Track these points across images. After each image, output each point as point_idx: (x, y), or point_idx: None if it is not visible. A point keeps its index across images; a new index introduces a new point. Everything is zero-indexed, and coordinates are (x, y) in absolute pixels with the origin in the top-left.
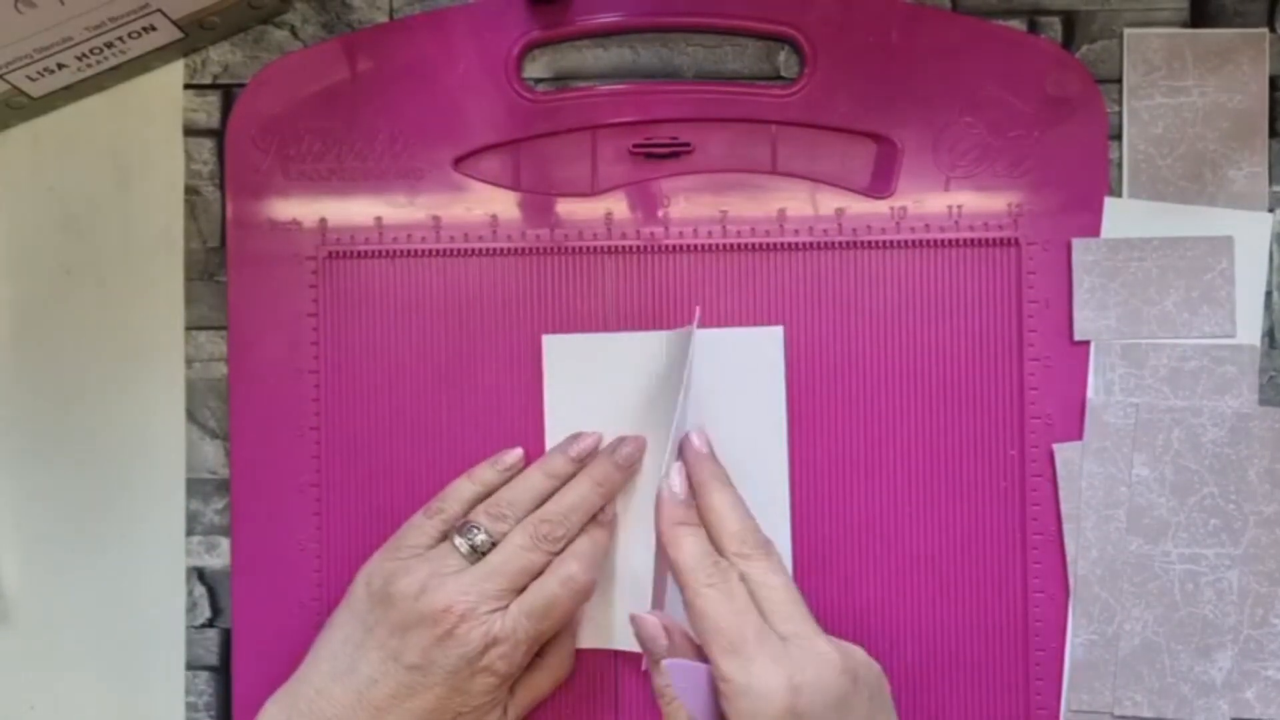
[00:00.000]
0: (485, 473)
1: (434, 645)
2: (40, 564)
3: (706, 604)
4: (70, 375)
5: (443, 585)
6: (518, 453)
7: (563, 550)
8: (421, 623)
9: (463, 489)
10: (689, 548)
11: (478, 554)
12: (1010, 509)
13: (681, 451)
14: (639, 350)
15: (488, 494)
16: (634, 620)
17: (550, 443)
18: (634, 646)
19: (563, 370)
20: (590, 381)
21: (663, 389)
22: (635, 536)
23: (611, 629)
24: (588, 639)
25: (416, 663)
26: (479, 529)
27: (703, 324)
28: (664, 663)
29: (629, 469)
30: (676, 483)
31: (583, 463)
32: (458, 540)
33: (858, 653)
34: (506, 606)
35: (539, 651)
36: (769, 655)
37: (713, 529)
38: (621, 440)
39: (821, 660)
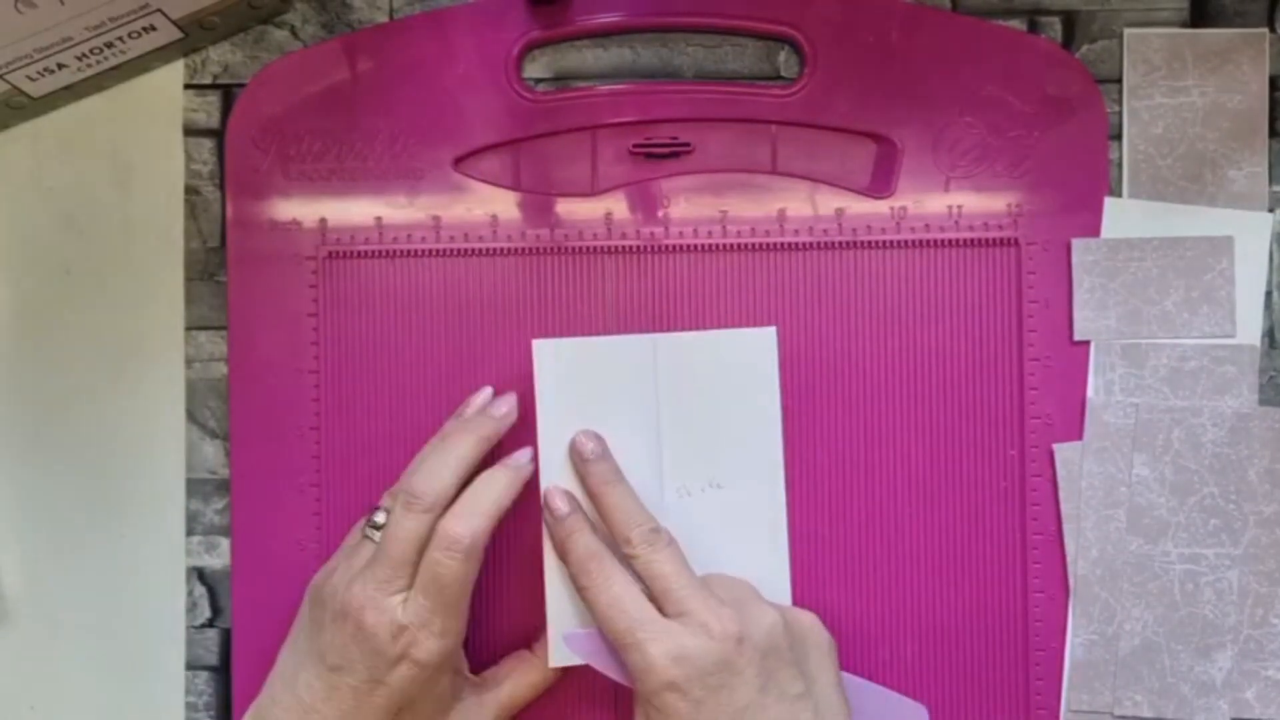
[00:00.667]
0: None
1: (347, 643)
2: (40, 564)
3: (589, 603)
4: (70, 375)
5: (350, 581)
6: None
7: (439, 506)
8: (335, 620)
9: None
10: (572, 554)
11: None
12: (1010, 509)
13: (571, 458)
14: (630, 352)
15: None
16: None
17: (544, 448)
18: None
19: (553, 374)
20: (581, 385)
21: (655, 390)
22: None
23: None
24: (572, 656)
25: (337, 663)
26: (379, 509)
27: (698, 325)
28: (562, 634)
29: (504, 420)
30: (555, 504)
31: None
32: (366, 529)
33: (760, 618)
34: (409, 582)
35: (535, 650)
36: (649, 637)
37: (608, 529)
38: (501, 398)
39: (701, 629)
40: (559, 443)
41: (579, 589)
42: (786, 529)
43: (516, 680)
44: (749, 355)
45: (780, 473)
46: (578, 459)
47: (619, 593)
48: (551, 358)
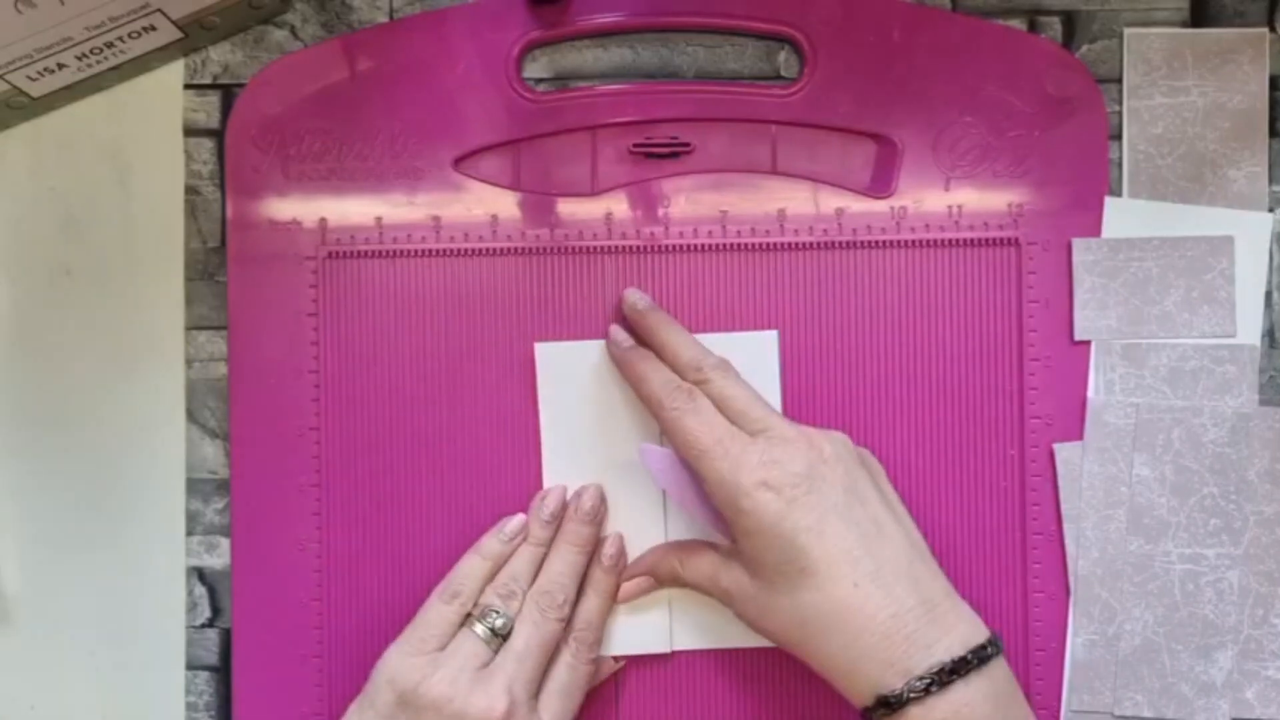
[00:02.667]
0: (492, 546)
1: None
2: (40, 564)
3: (676, 424)
4: (70, 375)
5: (477, 684)
6: (520, 519)
7: (569, 613)
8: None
9: (474, 567)
10: (652, 379)
11: (498, 638)
12: (1010, 509)
13: (623, 313)
14: None
15: (498, 566)
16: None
17: (546, 450)
18: (622, 649)
19: (556, 377)
20: (584, 388)
21: None
22: (625, 541)
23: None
24: None
25: None
26: (497, 613)
27: (699, 325)
28: (640, 447)
29: (594, 519)
30: (620, 337)
31: (559, 521)
32: (478, 628)
33: (831, 436)
34: (537, 691)
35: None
36: (738, 448)
37: (671, 364)
38: (578, 494)
39: (786, 442)
40: (561, 444)
41: (663, 415)
42: None
43: None
44: (751, 358)
45: None
46: (631, 312)
47: (707, 415)
48: (554, 360)
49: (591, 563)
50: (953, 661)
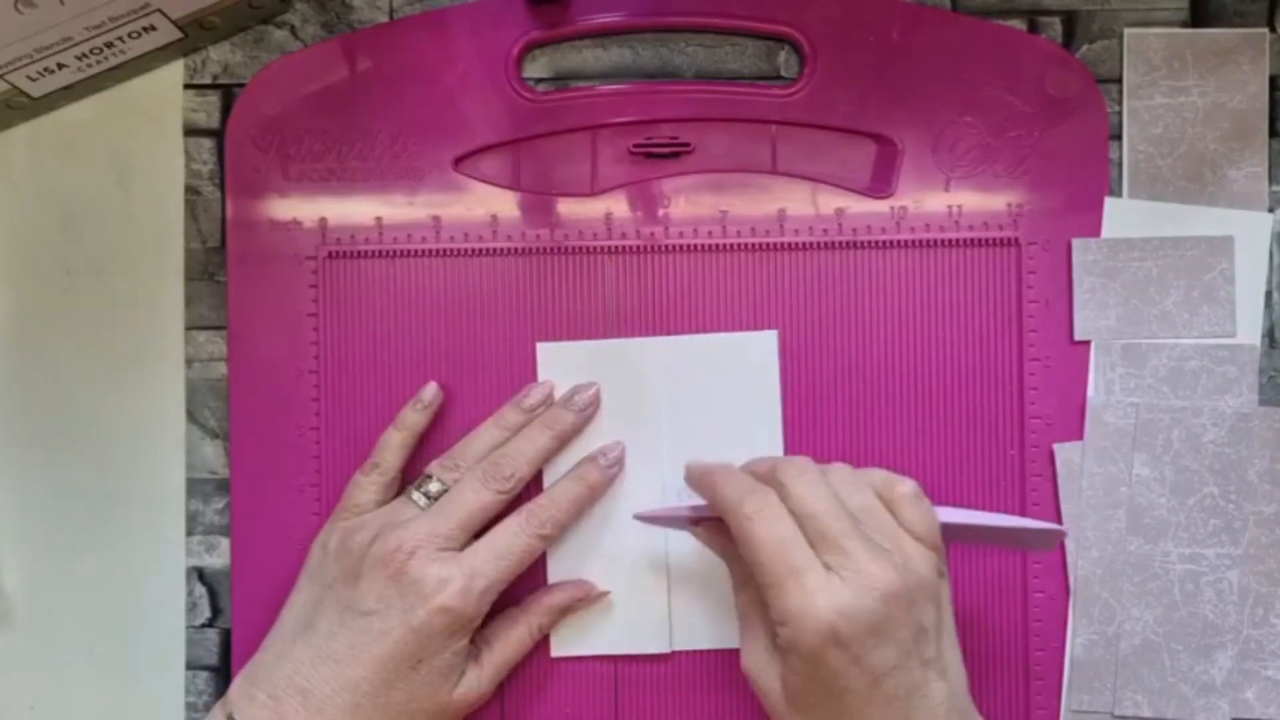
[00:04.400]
0: (408, 416)
1: (386, 586)
2: (40, 564)
3: (749, 536)
4: (70, 375)
5: (394, 530)
6: (433, 387)
7: (514, 491)
8: (374, 567)
9: (391, 438)
10: (728, 482)
11: (432, 502)
12: (1010, 509)
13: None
14: (633, 356)
15: (414, 436)
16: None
17: None
18: (622, 649)
19: (558, 377)
20: None
21: (657, 394)
22: (623, 540)
23: (598, 635)
24: (576, 646)
25: (372, 608)
26: (432, 479)
27: (699, 325)
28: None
29: (584, 412)
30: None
31: (536, 414)
32: (415, 494)
33: (910, 563)
34: (461, 547)
35: (522, 605)
36: (812, 585)
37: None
38: (576, 389)
39: (863, 589)
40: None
41: (745, 520)
42: None
43: (506, 638)
44: (750, 358)
45: None
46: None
47: (786, 532)
48: (555, 360)
49: (584, 458)
50: None
